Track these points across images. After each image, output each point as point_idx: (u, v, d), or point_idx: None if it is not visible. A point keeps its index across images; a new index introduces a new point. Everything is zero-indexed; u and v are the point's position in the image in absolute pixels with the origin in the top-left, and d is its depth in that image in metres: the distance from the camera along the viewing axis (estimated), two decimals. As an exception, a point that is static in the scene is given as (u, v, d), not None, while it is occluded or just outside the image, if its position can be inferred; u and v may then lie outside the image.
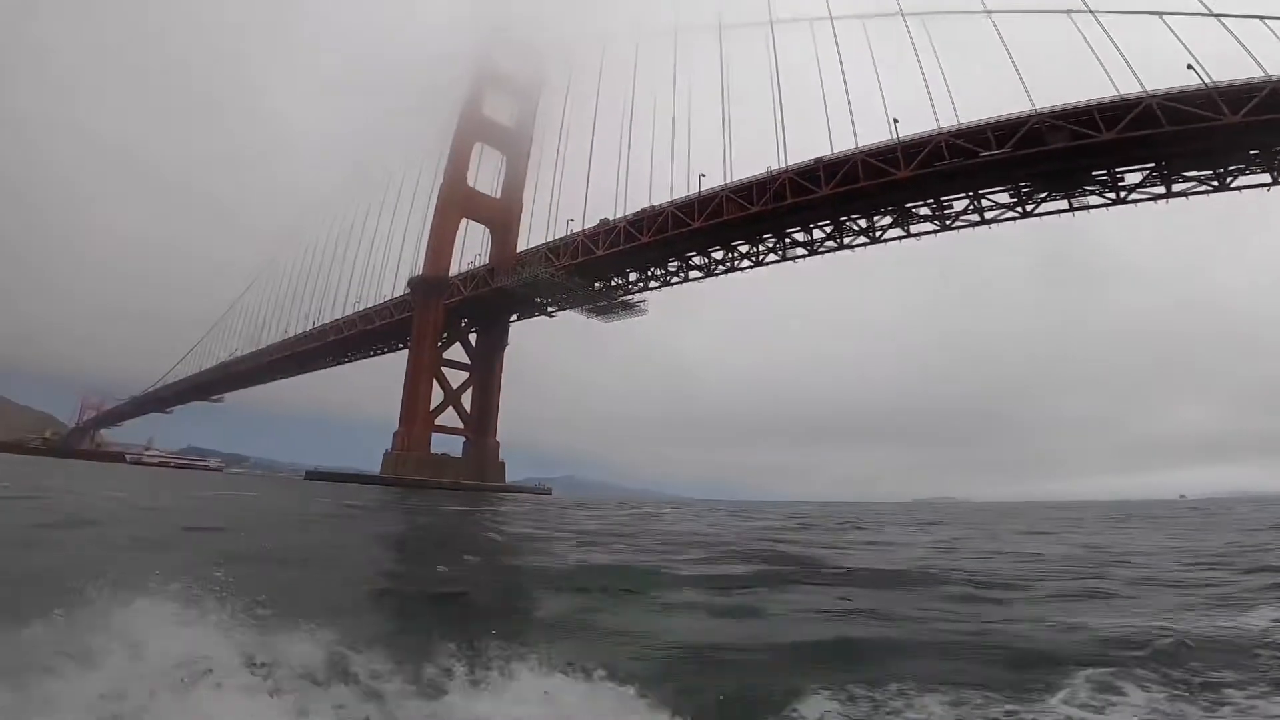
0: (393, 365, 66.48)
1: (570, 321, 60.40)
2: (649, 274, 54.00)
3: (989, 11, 34.80)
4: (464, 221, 65.82)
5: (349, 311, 67.64)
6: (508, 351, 66.90)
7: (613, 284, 55.82)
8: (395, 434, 61.65)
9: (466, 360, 66.70)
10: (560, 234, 54.86)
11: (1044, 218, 37.40)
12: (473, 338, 67.21)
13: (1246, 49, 27.01)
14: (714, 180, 45.37)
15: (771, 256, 47.20)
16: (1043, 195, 37.01)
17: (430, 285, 62.37)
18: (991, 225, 39.14)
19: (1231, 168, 30.71)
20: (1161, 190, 33.56)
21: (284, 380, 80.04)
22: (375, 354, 71.31)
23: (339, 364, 73.37)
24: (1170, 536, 16.33)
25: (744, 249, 47.98)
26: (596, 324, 59.28)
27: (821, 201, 39.97)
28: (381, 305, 65.76)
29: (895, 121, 36.99)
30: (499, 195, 67.88)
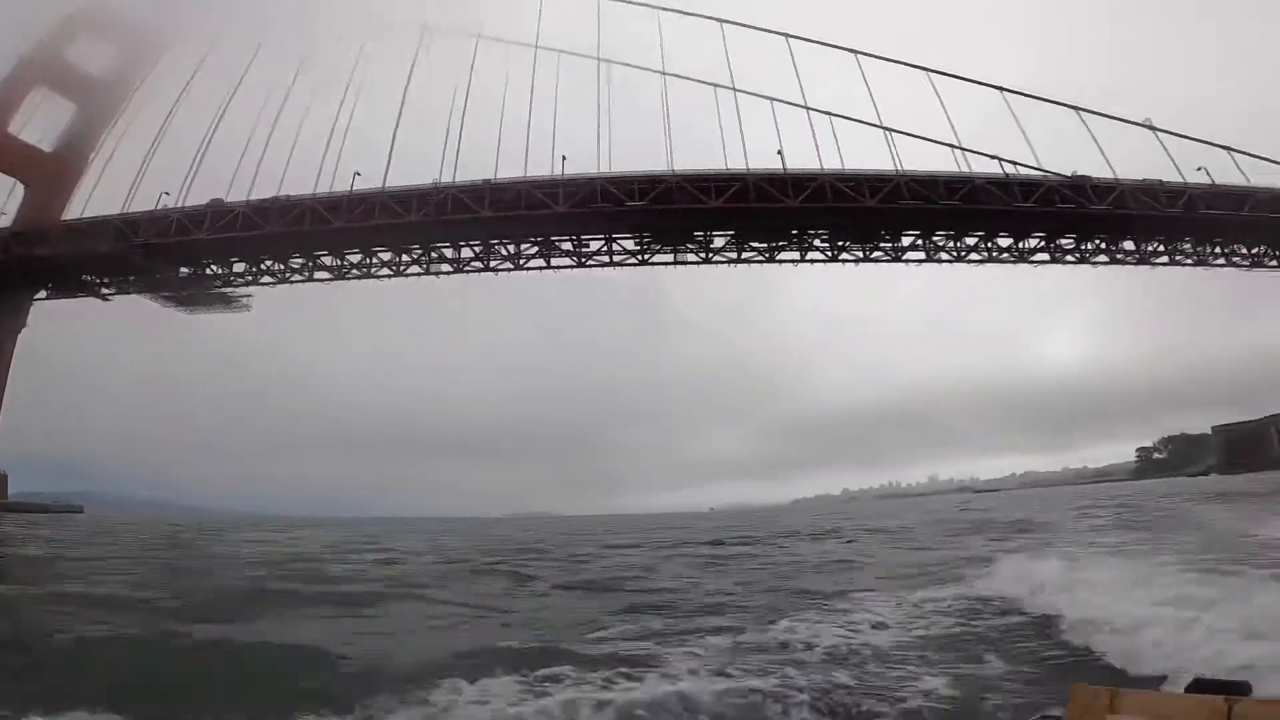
0: None
1: (135, 308, 48.64)
2: (261, 267, 47.06)
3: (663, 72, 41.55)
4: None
5: None
6: (26, 335, 50.04)
7: (207, 272, 47.18)
8: None
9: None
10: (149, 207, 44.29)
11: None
12: None
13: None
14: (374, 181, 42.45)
15: (414, 269, 46.08)
16: (658, 247, 44.80)
17: None
18: (617, 266, 45.44)
19: (781, 244, 42.07)
20: (734, 255, 44.00)
21: None
22: None
23: None
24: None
25: (385, 257, 45.75)
26: (176, 315, 48.99)
27: (492, 222, 41.08)
28: None
29: (564, 159, 40.66)
30: (50, 149, 51.79)
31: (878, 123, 37.05)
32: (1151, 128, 35.82)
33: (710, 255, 44.03)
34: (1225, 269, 39.94)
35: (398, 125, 43.58)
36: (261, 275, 47.00)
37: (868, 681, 4.93)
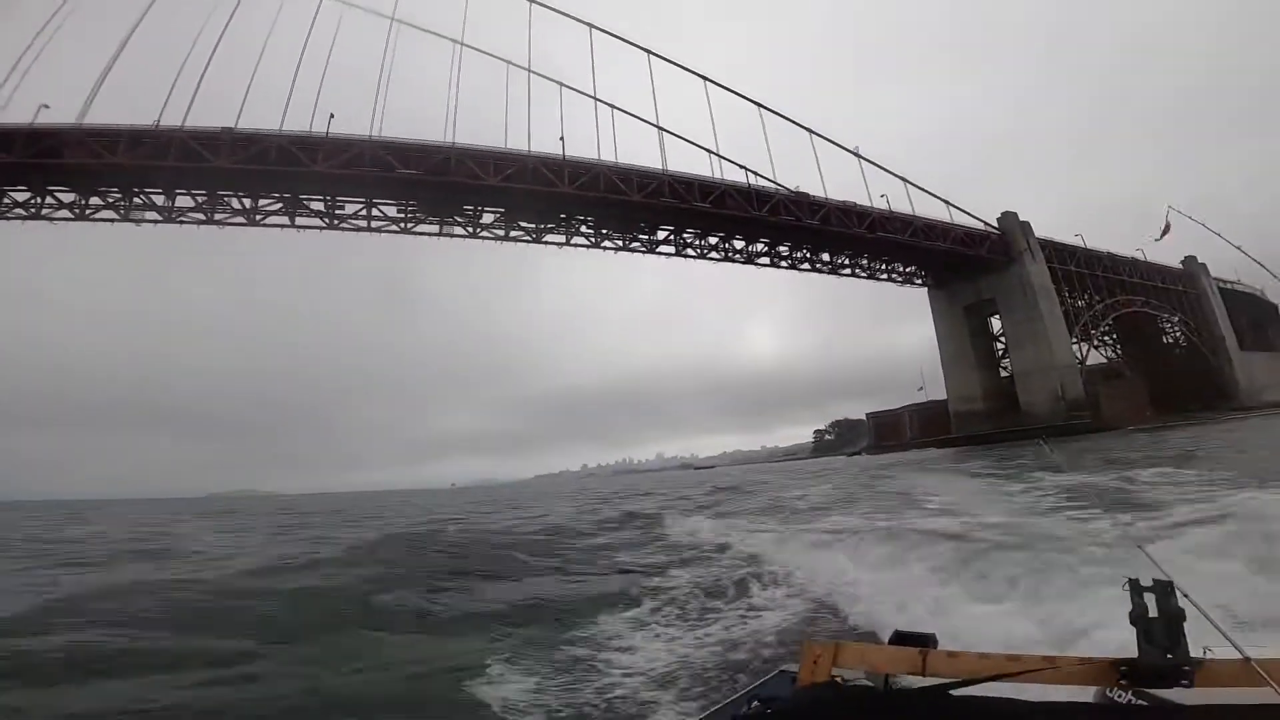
0: None
1: None
2: None
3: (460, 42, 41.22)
4: None
5: None
6: None
7: None
8: None
9: None
10: None
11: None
12: None
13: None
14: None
15: (107, 213, 38.47)
16: (422, 217, 43.79)
17: None
18: (376, 232, 43.36)
19: (549, 226, 44.40)
20: (502, 233, 45.15)
21: None
22: None
23: None
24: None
25: (67, 199, 37.26)
26: None
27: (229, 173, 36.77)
28: None
29: (331, 116, 38.46)
30: None
31: (655, 121, 41.93)
32: (857, 155, 46.77)
33: (477, 231, 44.57)
34: (887, 283, 53.76)
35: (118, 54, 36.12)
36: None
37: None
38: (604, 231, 44.79)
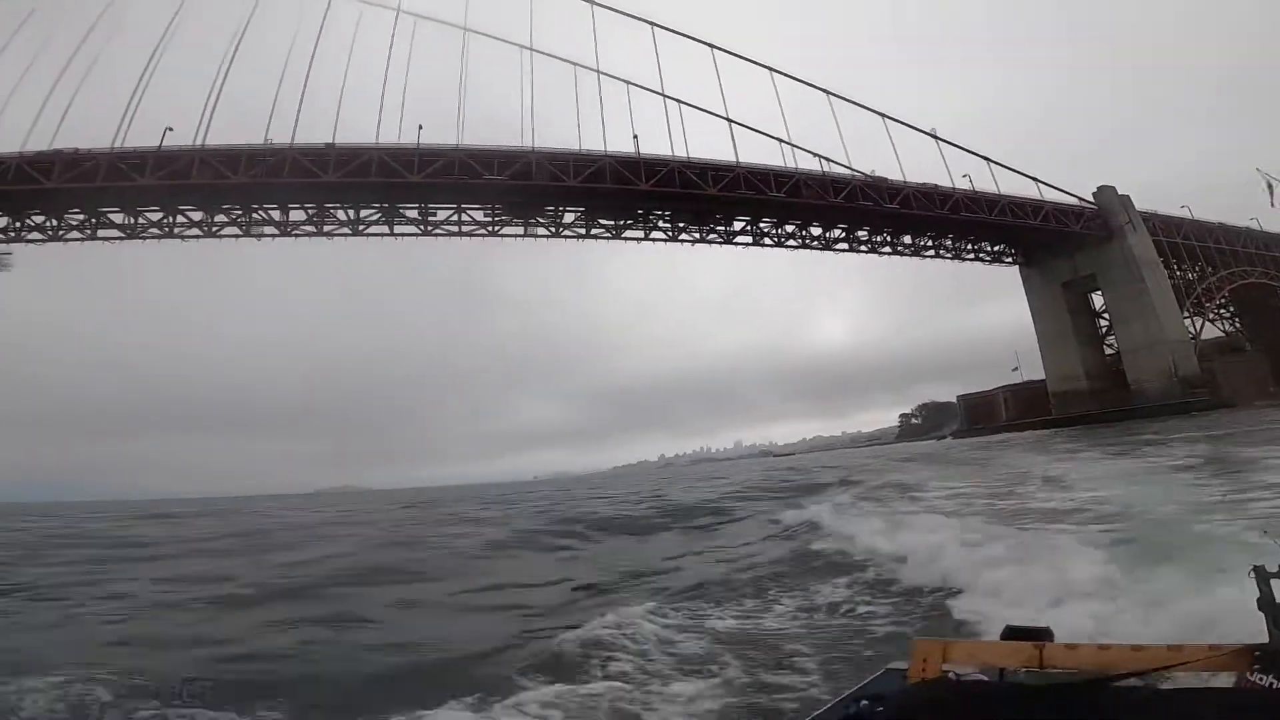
0: None
1: None
2: (28, 223, 41.00)
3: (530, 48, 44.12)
4: None
5: None
6: None
7: None
8: None
9: None
10: None
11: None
12: None
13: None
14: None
15: (232, 230, 43.23)
16: (505, 219, 46.74)
17: None
18: (466, 236, 46.65)
19: (627, 222, 46.47)
20: (583, 231, 47.52)
21: None
22: None
23: None
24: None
25: (196, 216, 42.32)
26: None
27: (336, 187, 40.97)
28: None
29: (420, 127, 41.57)
30: None
31: (724, 115, 43.18)
32: (934, 136, 46.49)
33: (560, 230, 47.13)
34: (974, 263, 53.10)
35: (225, 75, 40.67)
36: (29, 230, 40.65)
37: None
38: (681, 225, 46.39)
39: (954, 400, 79.71)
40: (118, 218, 41.66)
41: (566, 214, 46.58)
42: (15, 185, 37.82)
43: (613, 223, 46.84)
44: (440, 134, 41.63)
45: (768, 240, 47.20)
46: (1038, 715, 1.38)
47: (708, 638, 4.97)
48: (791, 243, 47.46)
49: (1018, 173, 48.04)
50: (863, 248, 48.88)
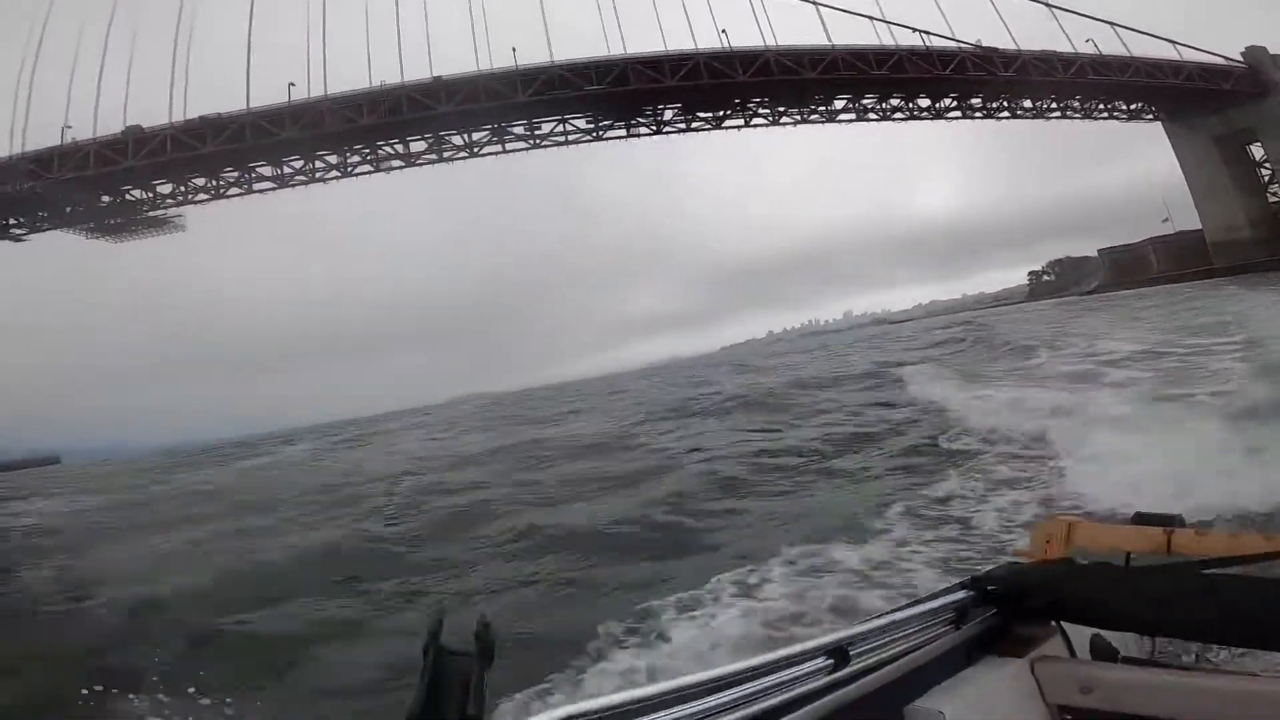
0: None
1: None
2: (193, 185, 47.60)
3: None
4: None
5: None
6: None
7: (128, 198, 47.30)
8: None
9: None
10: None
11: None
12: None
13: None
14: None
15: (364, 168, 48.14)
16: (608, 123, 48.89)
17: None
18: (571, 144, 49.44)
19: (725, 112, 47.44)
20: (683, 126, 49.03)
21: None
22: None
23: None
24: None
25: (332, 160, 47.42)
26: (100, 246, 49.16)
27: (449, 117, 44.17)
28: None
29: (514, 50, 44.01)
30: None
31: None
32: (1048, 4, 43.92)
33: (661, 128, 48.88)
34: (1108, 121, 51.01)
35: (325, 30, 44.02)
36: (194, 193, 47.38)
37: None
38: (780, 110, 46.83)
39: (1091, 255, 76.32)
40: (266, 170, 47.48)
41: (666, 111, 48.13)
42: (175, 154, 43.83)
43: (711, 115, 47.95)
44: (529, 54, 44.04)
45: (872, 115, 46.90)
46: (1162, 600, 1.30)
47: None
48: (898, 115, 46.95)
49: (1152, 36, 45.92)
50: (977, 114, 47.60)
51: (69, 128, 43.69)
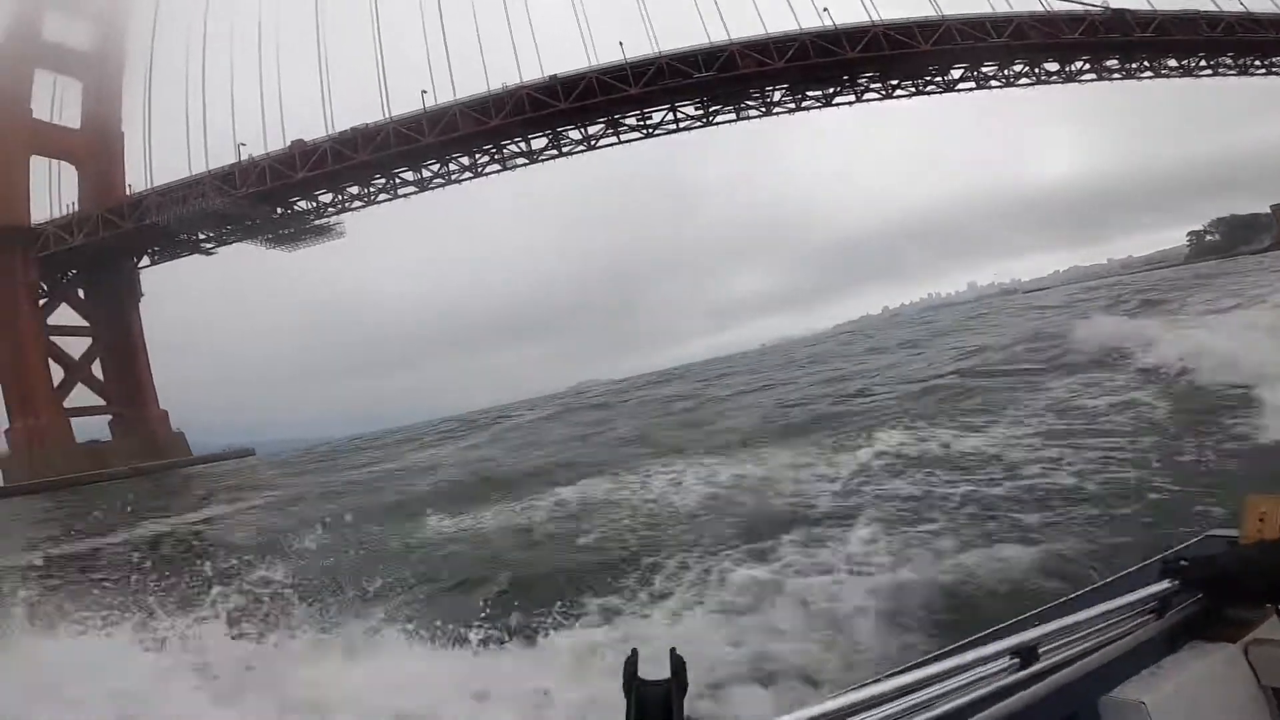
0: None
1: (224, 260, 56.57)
2: (344, 194, 53.79)
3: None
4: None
5: None
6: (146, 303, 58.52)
7: (293, 209, 54.11)
8: (9, 431, 49.65)
9: (83, 323, 55.99)
10: (216, 163, 51.08)
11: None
12: (80, 293, 56.52)
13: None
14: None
15: (493, 167, 52.46)
16: (715, 109, 50.42)
17: (4, 237, 50.29)
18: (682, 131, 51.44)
19: (834, 90, 47.68)
20: (792, 106, 49.68)
21: None
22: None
23: None
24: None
25: (465, 161, 52.05)
26: (274, 255, 56.57)
27: (567, 113, 47.19)
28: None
29: (621, 44, 46.54)
30: (80, 128, 56.52)
31: None
32: None
33: (771, 108, 49.82)
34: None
35: (446, 40, 48.40)
36: (350, 201, 53.66)
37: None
38: (894, 82, 46.40)
39: (1263, 212, 69.44)
40: (408, 175, 52.92)
41: (775, 92, 48.99)
42: (335, 165, 49.89)
43: (820, 93, 48.28)
44: (634, 47, 46.48)
45: (995, 83, 45.38)
46: None
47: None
48: (1024, 80, 45.12)
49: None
50: (1115, 76, 44.83)
51: (243, 145, 50.97)
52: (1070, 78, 44.67)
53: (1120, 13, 40.23)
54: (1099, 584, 1.69)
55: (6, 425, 49.89)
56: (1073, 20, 40.94)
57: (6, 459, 49.42)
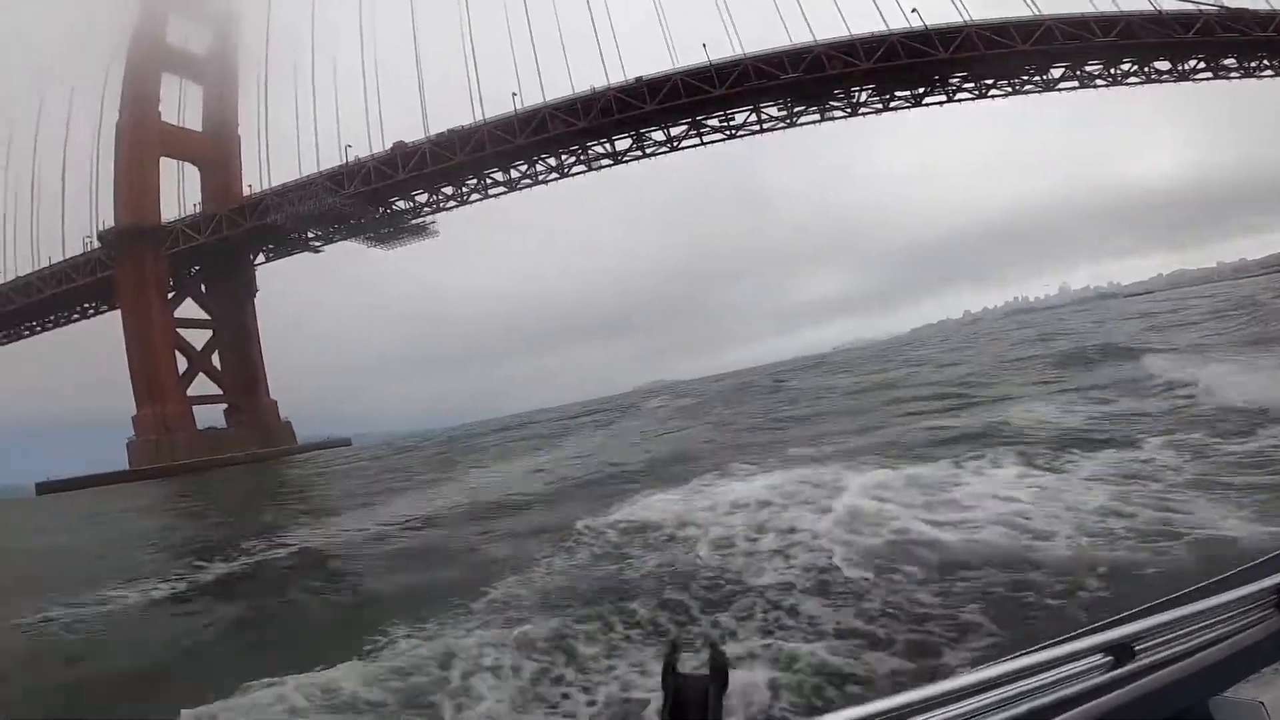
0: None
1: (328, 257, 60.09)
2: (439, 194, 56.36)
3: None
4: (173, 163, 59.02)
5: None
6: (259, 298, 62.97)
7: (393, 209, 57.08)
8: (136, 417, 54.62)
9: (205, 316, 60.90)
10: (321, 164, 54.80)
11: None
12: (202, 287, 61.44)
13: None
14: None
15: (579, 168, 54.04)
16: (799, 110, 50.41)
17: (137, 235, 55.12)
18: (765, 132, 51.68)
19: (923, 90, 46.96)
20: (879, 106, 49.19)
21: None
22: (56, 324, 60.38)
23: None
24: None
25: (552, 163, 53.87)
26: (374, 253, 59.86)
27: (652, 114, 48.21)
28: (59, 266, 56.31)
29: (705, 45, 47.29)
30: (202, 130, 61.35)
31: None
32: None
33: (856, 109, 49.47)
34: None
35: (534, 42, 50.10)
36: (445, 201, 56.34)
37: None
38: (988, 82, 45.33)
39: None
40: (498, 176, 55.15)
41: (860, 93, 48.61)
42: (433, 166, 52.57)
43: (909, 93, 47.63)
44: (718, 49, 47.10)
45: (1100, 82, 43.64)
46: None
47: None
48: (1132, 79, 43.22)
49: None
50: (1233, 75, 42.37)
51: (349, 146, 54.38)
52: (1183, 76, 42.48)
53: (1241, 10, 38.09)
54: (1205, 582, 1.50)
55: (134, 412, 55.04)
56: (1182, 19, 39.05)
57: (134, 444, 54.30)
